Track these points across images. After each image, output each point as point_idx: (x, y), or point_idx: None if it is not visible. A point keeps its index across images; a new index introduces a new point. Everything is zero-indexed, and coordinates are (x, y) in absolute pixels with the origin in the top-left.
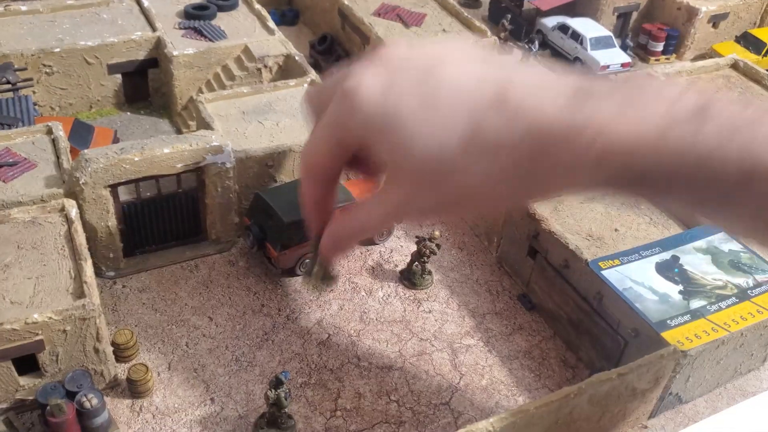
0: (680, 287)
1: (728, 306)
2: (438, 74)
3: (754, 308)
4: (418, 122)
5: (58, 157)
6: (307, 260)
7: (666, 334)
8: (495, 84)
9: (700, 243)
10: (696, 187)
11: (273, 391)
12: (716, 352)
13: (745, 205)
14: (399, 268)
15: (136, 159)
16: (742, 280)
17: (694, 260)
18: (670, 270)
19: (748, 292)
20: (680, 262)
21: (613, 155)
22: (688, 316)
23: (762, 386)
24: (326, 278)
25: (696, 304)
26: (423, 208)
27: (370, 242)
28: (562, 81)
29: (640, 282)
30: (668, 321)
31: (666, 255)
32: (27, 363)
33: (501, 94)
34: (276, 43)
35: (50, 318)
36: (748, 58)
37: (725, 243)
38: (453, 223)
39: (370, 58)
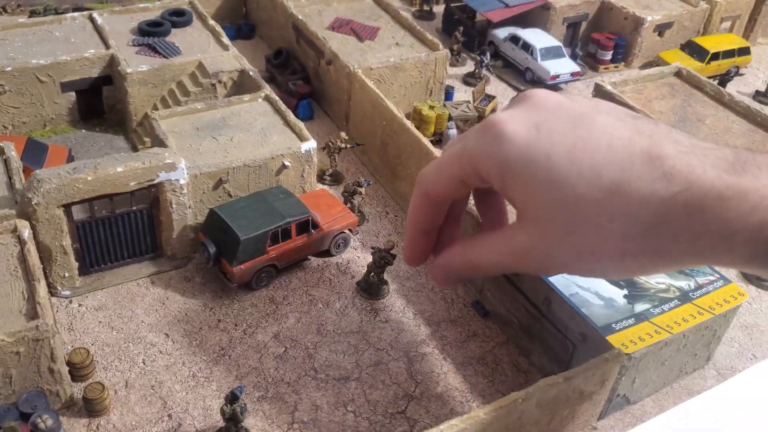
0: (625, 291)
1: (671, 308)
2: (591, 121)
3: (696, 310)
4: (564, 164)
5: (10, 178)
6: (263, 274)
7: (611, 338)
8: (649, 139)
9: None
10: None
11: (228, 405)
12: (660, 353)
13: None
14: (356, 280)
15: (89, 178)
16: (684, 283)
17: None
18: None
19: (690, 294)
20: None
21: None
22: (633, 319)
23: (707, 384)
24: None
25: (640, 307)
26: (547, 259)
27: (327, 254)
28: (717, 148)
29: (586, 287)
30: (613, 325)
31: None
32: None
33: (655, 150)
34: (230, 59)
35: (2, 340)
36: (692, 65)
37: None
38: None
39: (518, 100)
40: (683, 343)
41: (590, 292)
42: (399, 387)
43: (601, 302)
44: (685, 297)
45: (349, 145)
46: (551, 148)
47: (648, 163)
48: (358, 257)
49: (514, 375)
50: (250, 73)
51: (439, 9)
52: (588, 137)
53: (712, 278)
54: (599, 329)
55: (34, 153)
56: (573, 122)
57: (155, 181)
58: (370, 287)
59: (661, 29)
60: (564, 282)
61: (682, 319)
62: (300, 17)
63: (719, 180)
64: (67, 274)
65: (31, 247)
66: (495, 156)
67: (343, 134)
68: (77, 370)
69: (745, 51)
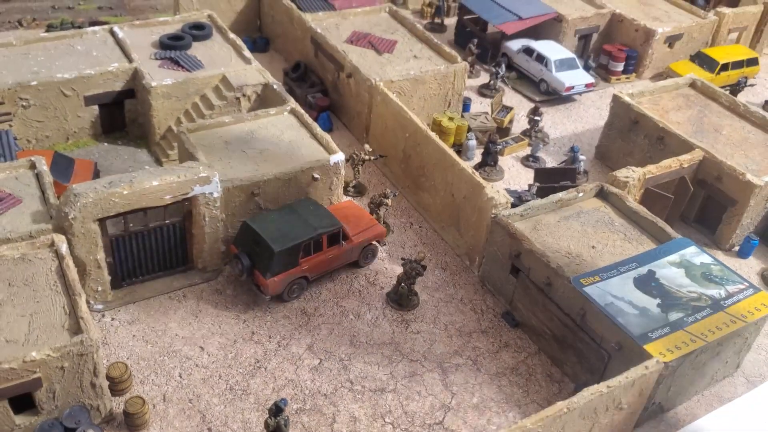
0: (658, 300)
1: (704, 317)
2: None
3: (728, 318)
4: None
5: (43, 192)
6: (295, 286)
7: (648, 347)
8: None
9: (674, 257)
10: None
11: (273, 418)
12: (695, 361)
13: None
14: (385, 290)
15: (125, 192)
16: (714, 292)
17: (669, 274)
18: (647, 284)
19: (722, 302)
20: (657, 276)
21: None
22: (668, 328)
23: (737, 392)
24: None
25: (674, 316)
26: None
27: (355, 265)
28: None
29: (620, 297)
30: (649, 334)
31: (643, 270)
32: (23, 401)
33: None
34: (254, 72)
35: (48, 355)
36: (702, 76)
37: (696, 256)
38: (433, 244)
39: None
40: (716, 351)
41: (624, 302)
42: (435, 398)
43: (635, 311)
44: (716, 305)
45: (373, 157)
46: None
47: None
48: (385, 268)
49: (548, 385)
50: (274, 86)
51: (450, 21)
52: None
53: (741, 287)
54: (636, 338)
55: (62, 167)
56: None
57: (189, 195)
58: (401, 298)
59: (671, 41)
60: (599, 292)
61: (716, 327)
62: (318, 31)
63: None
64: (100, 288)
65: (70, 262)
66: None
67: (367, 146)
68: (116, 385)
69: (753, 62)
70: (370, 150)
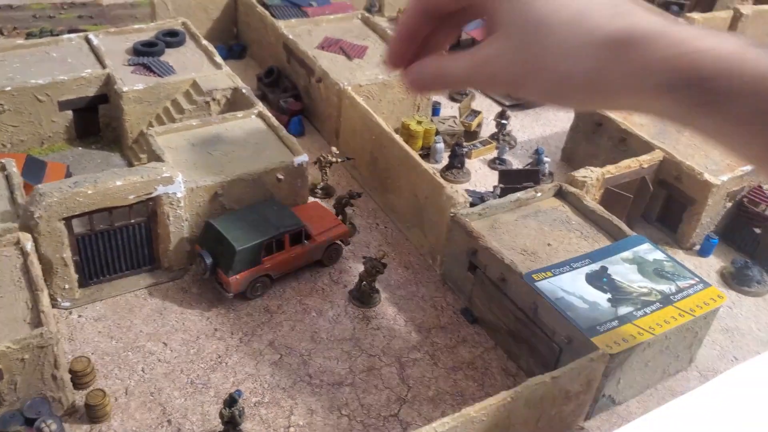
0: (609, 295)
1: (653, 311)
2: None
3: (677, 312)
4: None
5: (11, 193)
6: (258, 284)
7: (596, 339)
8: None
9: (627, 254)
10: (754, 98)
11: (227, 409)
12: (643, 354)
13: None
14: (348, 289)
15: (90, 192)
16: (665, 287)
17: (621, 270)
18: (599, 280)
19: (671, 297)
20: (608, 272)
21: (689, 56)
22: (616, 321)
23: (689, 386)
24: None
25: (623, 310)
26: (504, 68)
27: (320, 264)
28: (666, 15)
29: (571, 292)
30: (598, 327)
31: (595, 266)
32: None
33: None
34: (223, 77)
35: (9, 347)
36: None
37: (650, 253)
38: (398, 244)
39: None
40: (666, 344)
41: (575, 297)
42: (392, 391)
43: (585, 306)
44: (666, 300)
45: (340, 160)
46: None
47: (609, 4)
48: (349, 267)
49: (503, 379)
50: (243, 90)
51: None
52: None
53: (692, 282)
54: (584, 331)
55: (34, 170)
56: None
57: (153, 195)
58: (362, 296)
59: None
60: (550, 287)
61: (663, 321)
62: (291, 37)
63: (654, 24)
64: (67, 286)
65: (34, 259)
66: None
67: (334, 149)
68: (79, 378)
69: None
70: (337, 152)
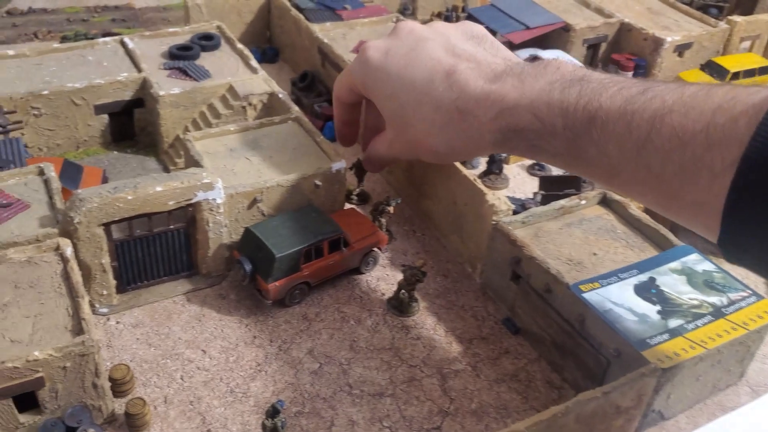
0: (658, 307)
1: (704, 324)
2: (422, 45)
3: (729, 325)
4: (396, 80)
5: (50, 197)
6: (297, 291)
7: (647, 353)
8: (454, 60)
9: (676, 264)
10: (559, 135)
11: (270, 419)
12: (695, 368)
13: (590, 150)
14: (386, 297)
15: (130, 197)
16: (716, 299)
17: (670, 281)
18: (647, 291)
19: (723, 310)
20: (657, 283)
21: (505, 112)
22: (667, 334)
23: (740, 401)
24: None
25: (674, 323)
26: (401, 147)
27: (357, 272)
28: (498, 64)
29: (619, 303)
30: (648, 340)
31: (643, 277)
32: (27, 400)
33: (451, 68)
34: (260, 82)
35: (51, 355)
36: None
37: (699, 264)
38: (436, 251)
39: (391, 31)
40: (717, 358)
41: (624, 309)
42: (433, 403)
43: (635, 318)
44: (718, 313)
45: None
46: (390, 68)
47: (444, 78)
48: (387, 275)
49: (548, 391)
50: (279, 95)
51: None
52: (415, 58)
53: (744, 294)
54: (634, 344)
55: (71, 174)
56: (411, 47)
57: (193, 201)
58: (401, 304)
59: (680, 50)
60: (598, 299)
61: (716, 335)
62: (325, 41)
63: (479, 88)
64: (105, 292)
65: (74, 265)
66: (360, 74)
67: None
68: (118, 386)
69: (765, 70)
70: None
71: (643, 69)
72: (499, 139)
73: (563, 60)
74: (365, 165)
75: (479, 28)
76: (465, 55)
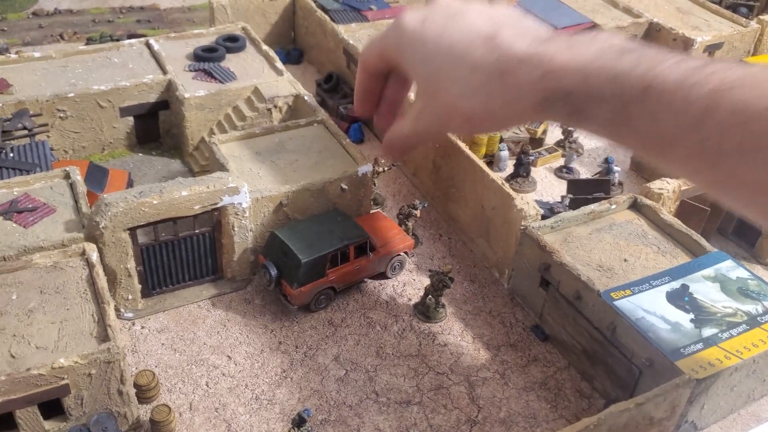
0: (691, 315)
1: (739, 333)
2: (461, 14)
3: (765, 335)
4: (432, 45)
5: (76, 202)
6: (322, 296)
7: (680, 363)
8: (495, 26)
9: (709, 271)
10: (607, 101)
11: (296, 429)
12: (729, 379)
13: (641, 120)
14: (412, 302)
15: (155, 202)
16: (751, 307)
17: (704, 288)
18: (680, 299)
19: (758, 318)
20: (690, 291)
21: (551, 74)
22: (701, 344)
23: None
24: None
25: (708, 332)
26: (431, 118)
27: (383, 276)
28: (541, 30)
29: (652, 311)
30: (681, 350)
31: (676, 284)
32: (52, 407)
33: (493, 32)
34: (285, 84)
35: (76, 362)
36: None
37: (733, 271)
38: (463, 256)
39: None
40: (753, 368)
41: (656, 317)
42: (461, 412)
43: (667, 327)
44: (753, 321)
45: (386, 168)
46: (426, 34)
47: (485, 41)
48: (413, 280)
49: (577, 400)
50: (305, 97)
51: None
52: (453, 25)
53: None
54: (668, 354)
55: (96, 177)
56: (449, 16)
57: (218, 205)
58: (428, 310)
59: (711, 50)
60: (630, 307)
61: (751, 344)
62: (351, 42)
63: (523, 49)
64: (130, 297)
65: (100, 271)
66: (393, 39)
67: (379, 158)
68: (143, 392)
69: None
70: (383, 161)
71: None
72: (541, 103)
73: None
74: (385, 151)
75: (523, 14)
76: (507, 23)
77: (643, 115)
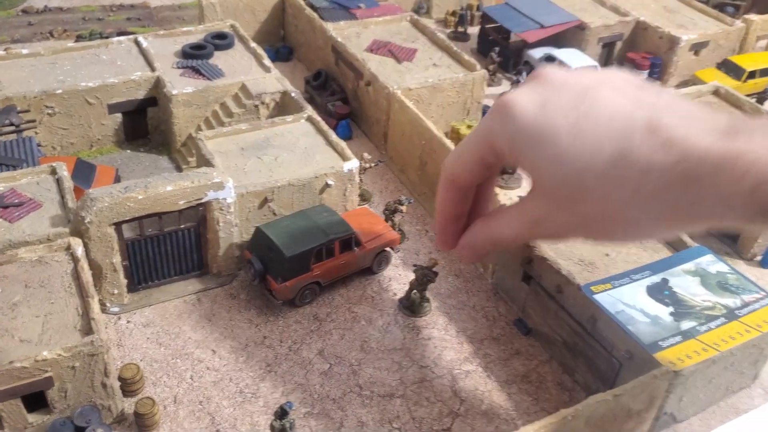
0: (671, 309)
1: (717, 326)
2: (594, 96)
3: (743, 327)
4: (567, 139)
5: (62, 197)
6: (307, 291)
7: (659, 355)
8: (649, 110)
9: (689, 265)
10: None
11: (278, 421)
12: (708, 371)
13: None
14: (398, 297)
15: (140, 197)
16: (730, 301)
17: (683, 282)
18: (660, 293)
19: (736, 312)
20: (670, 285)
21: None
22: (680, 337)
23: (753, 403)
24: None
25: (686, 325)
26: (558, 227)
27: (369, 271)
28: (713, 115)
29: (631, 305)
30: (660, 342)
31: (656, 278)
32: (36, 400)
33: (653, 122)
34: (272, 81)
35: (59, 355)
36: (729, 83)
37: (713, 265)
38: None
39: (529, 78)
40: (730, 361)
41: (636, 310)
42: (444, 404)
43: (647, 320)
44: (731, 315)
45: (372, 164)
46: (556, 125)
47: (647, 134)
48: (399, 275)
49: (559, 393)
50: (292, 94)
51: (473, 30)
52: (590, 111)
53: (758, 296)
54: (646, 347)
55: (83, 173)
56: (577, 97)
57: (203, 200)
58: (413, 304)
59: (696, 48)
60: (610, 300)
61: (729, 337)
62: (339, 39)
63: (713, 147)
64: (116, 291)
65: (84, 265)
66: (507, 134)
67: (365, 154)
68: (128, 386)
69: None
70: (369, 157)
71: (658, 67)
72: (755, 216)
73: None
74: (467, 253)
75: (640, 77)
76: (658, 105)
77: None
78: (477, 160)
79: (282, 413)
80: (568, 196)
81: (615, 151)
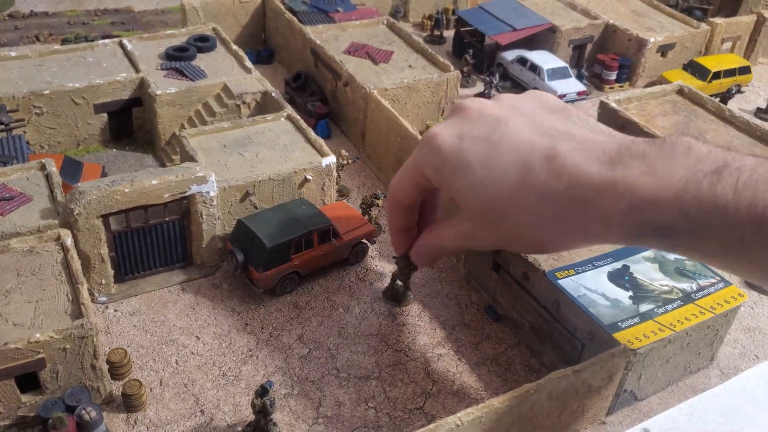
0: (630, 293)
1: (674, 308)
2: (504, 126)
3: (697, 309)
4: (480, 169)
5: (51, 191)
6: (287, 281)
7: (617, 335)
8: (548, 140)
9: (649, 253)
10: (715, 235)
11: (259, 399)
12: (664, 350)
13: (758, 252)
14: (374, 286)
15: (127, 190)
16: (686, 285)
17: (643, 269)
18: (620, 278)
19: (692, 295)
20: (630, 271)
21: (641, 207)
22: (637, 318)
23: (711, 383)
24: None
25: (644, 307)
26: (488, 241)
27: (346, 262)
28: (608, 140)
29: (593, 289)
30: (619, 323)
31: (617, 264)
32: (28, 381)
33: (551, 150)
34: (253, 81)
35: (51, 337)
36: (695, 84)
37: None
38: None
39: (452, 110)
40: (687, 341)
41: (597, 294)
42: (417, 385)
43: (607, 303)
44: (687, 298)
45: (350, 161)
46: (471, 155)
47: (546, 163)
48: (375, 266)
49: (526, 374)
50: (272, 94)
51: (449, 33)
52: (499, 142)
53: (713, 280)
54: (606, 327)
55: (71, 170)
56: (490, 128)
57: (187, 194)
58: (397, 294)
59: (663, 50)
60: (572, 285)
61: (684, 318)
62: (318, 42)
63: (598, 174)
64: (103, 281)
65: (74, 254)
66: (432, 164)
67: (343, 151)
68: (115, 369)
69: (745, 70)
70: (347, 154)
71: (627, 69)
72: (631, 235)
73: (687, 137)
74: (417, 259)
75: (555, 99)
76: (559, 133)
77: (757, 249)
78: (412, 184)
79: (263, 391)
80: (488, 218)
81: (518, 178)
